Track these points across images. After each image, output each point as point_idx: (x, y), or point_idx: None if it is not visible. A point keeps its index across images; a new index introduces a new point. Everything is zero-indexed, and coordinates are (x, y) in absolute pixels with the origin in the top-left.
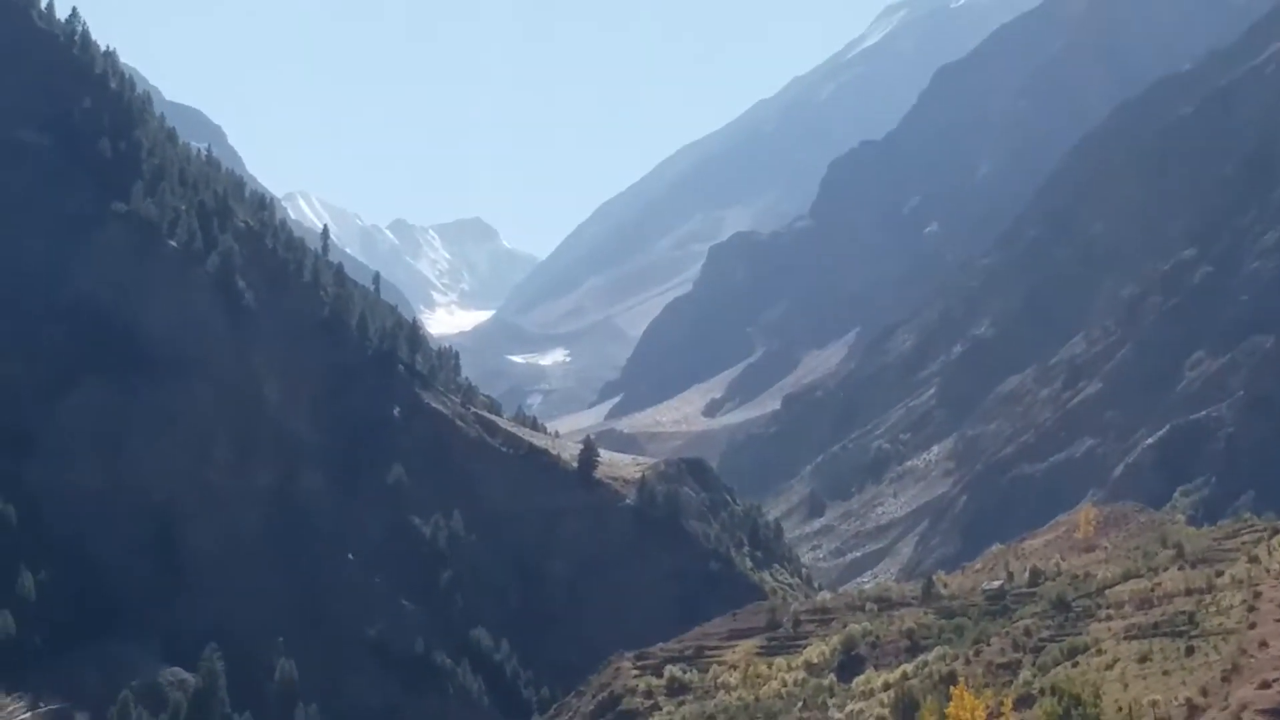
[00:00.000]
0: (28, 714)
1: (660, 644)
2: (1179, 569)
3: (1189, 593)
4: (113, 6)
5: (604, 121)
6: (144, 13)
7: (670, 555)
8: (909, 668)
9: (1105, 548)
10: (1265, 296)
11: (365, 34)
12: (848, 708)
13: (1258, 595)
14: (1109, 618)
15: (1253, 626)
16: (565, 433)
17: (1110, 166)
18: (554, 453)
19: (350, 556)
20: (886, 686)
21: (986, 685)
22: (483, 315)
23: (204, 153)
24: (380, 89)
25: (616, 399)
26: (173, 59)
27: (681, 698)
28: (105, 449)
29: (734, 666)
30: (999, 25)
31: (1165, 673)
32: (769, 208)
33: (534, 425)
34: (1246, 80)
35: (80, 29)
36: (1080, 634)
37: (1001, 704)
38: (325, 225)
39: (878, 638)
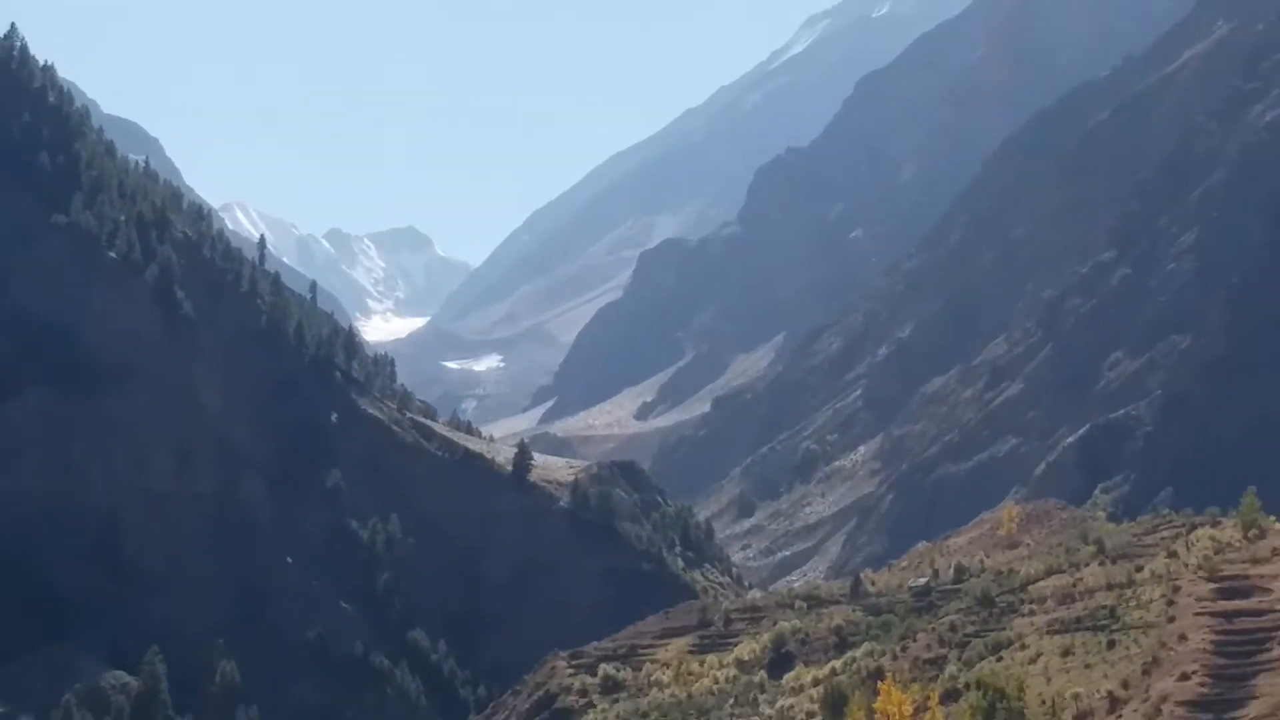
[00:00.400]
0: None
1: (594, 643)
2: (1100, 564)
3: (1110, 588)
4: (51, 22)
5: (535, 130)
6: (82, 27)
7: (603, 556)
8: (838, 664)
9: (1028, 544)
10: (1182, 297)
11: (301, 46)
12: (778, 704)
13: (1176, 590)
14: (1032, 613)
15: (1172, 620)
16: (500, 437)
17: (1030, 171)
18: (489, 457)
19: (290, 560)
20: (816, 682)
21: (913, 680)
22: (418, 322)
23: (142, 165)
24: (316, 100)
25: (549, 403)
26: (110, 73)
27: (615, 696)
28: (48, 457)
29: (666, 665)
30: (920, 34)
31: (1087, 666)
32: (697, 214)
33: (469, 430)
34: (1161, 86)
35: (19, 44)
36: (1004, 629)
37: (928, 698)
38: (262, 235)
39: (807, 635)
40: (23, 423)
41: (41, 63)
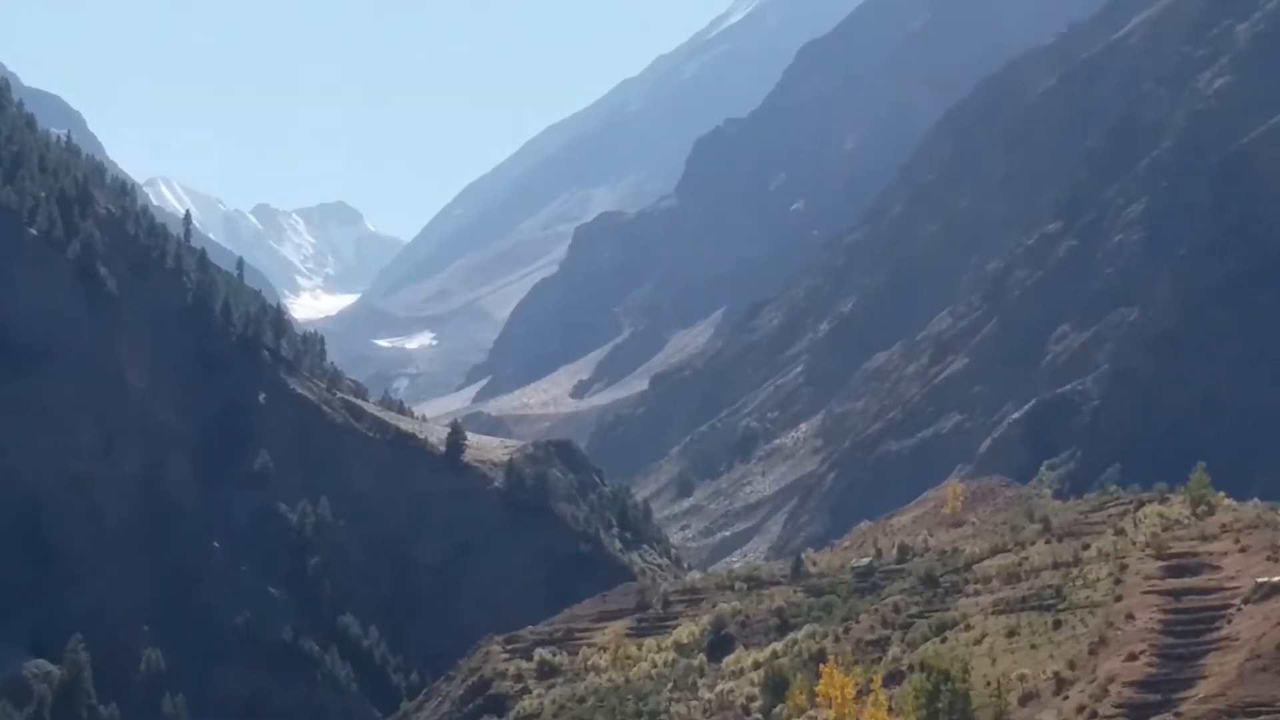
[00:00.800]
0: None
1: (530, 627)
2: (1046, 543)
3: (1056, 566)
4: None
5: (470, 102)
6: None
7: (539, 537)
8: (779, 646)
9: (973, 523)
10: (1129, 269)
11: (227, 17)
12: (718, 687)
13: (1124, 568)
14: (977, 593)
15: (1119, 599)
16: (432, 416)
17: (974, 141)
18: (421, 437)
19: (217, 544)
20: (756, 665)
21: (856, 662)
22: (348, 299)
23: (64, 139)
24: (243, 73)
25: (484, 382)
26: (30, 44)
27: (551, 680)
28: (3, 442)
29: (604, 648)
30: (862, 1)
31: (1033, 646)
32: (635, 187)
33: (401, 409)
34: (1108, 53)
35: None
36: (948, 609)
37: (871, 681)
38: (187, 211)
39: (747, 617)
40: None
41: None
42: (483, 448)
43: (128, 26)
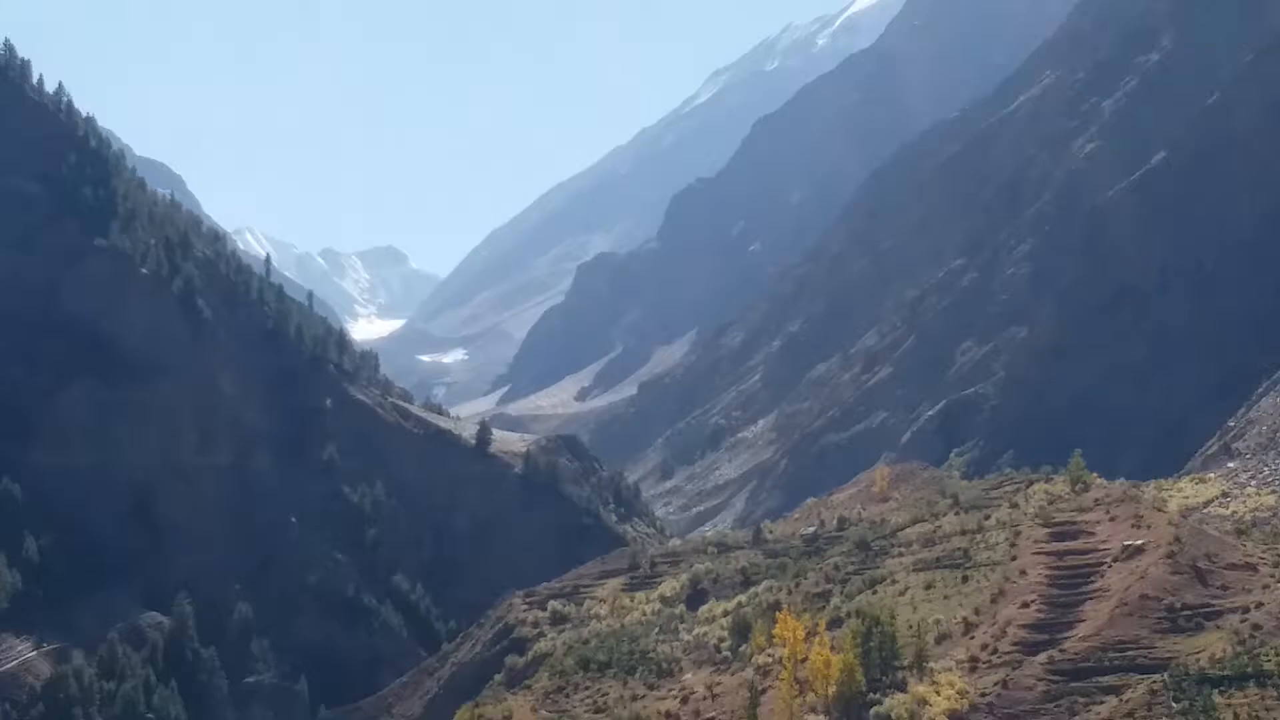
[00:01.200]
0: (33, 652)
1: (544, 584)
2: (955, 514)
3: (963, 533)
4: (91, 76)
5: (491, 163)
6: (116, 80)
7: (550, 512)
8: (743, 598)
9: (896, 499)
10: (1019, 296)
11: (300, 97)
12: (695, 631)
13: (1017, 534)
14: (900, 554)
15: (1014, 559)
16: (464, 417)
17: (895, 195)
18: (456, 433)
19: (293, 519)
20: (725, 614)
21: (804, 610)
22: (396, 324)
23: (168, 197)
24: (313, 140)
25: (505, 388)
26: (142, 119)
27: (562, 626)
28: (93, 436)
29: (603, 600)
30: (805, 84)
31: (946, 597)
32: (625, 233)
33: (439, 411)
34: (1000, 125)
35: (66, 99)
36: (878, 568)
37: (817, 625)
38: (267, 254)
39: (718, 575)
40: (71, 409)
41: (84, 114)
42: (505, 441)
43: (218, 103)
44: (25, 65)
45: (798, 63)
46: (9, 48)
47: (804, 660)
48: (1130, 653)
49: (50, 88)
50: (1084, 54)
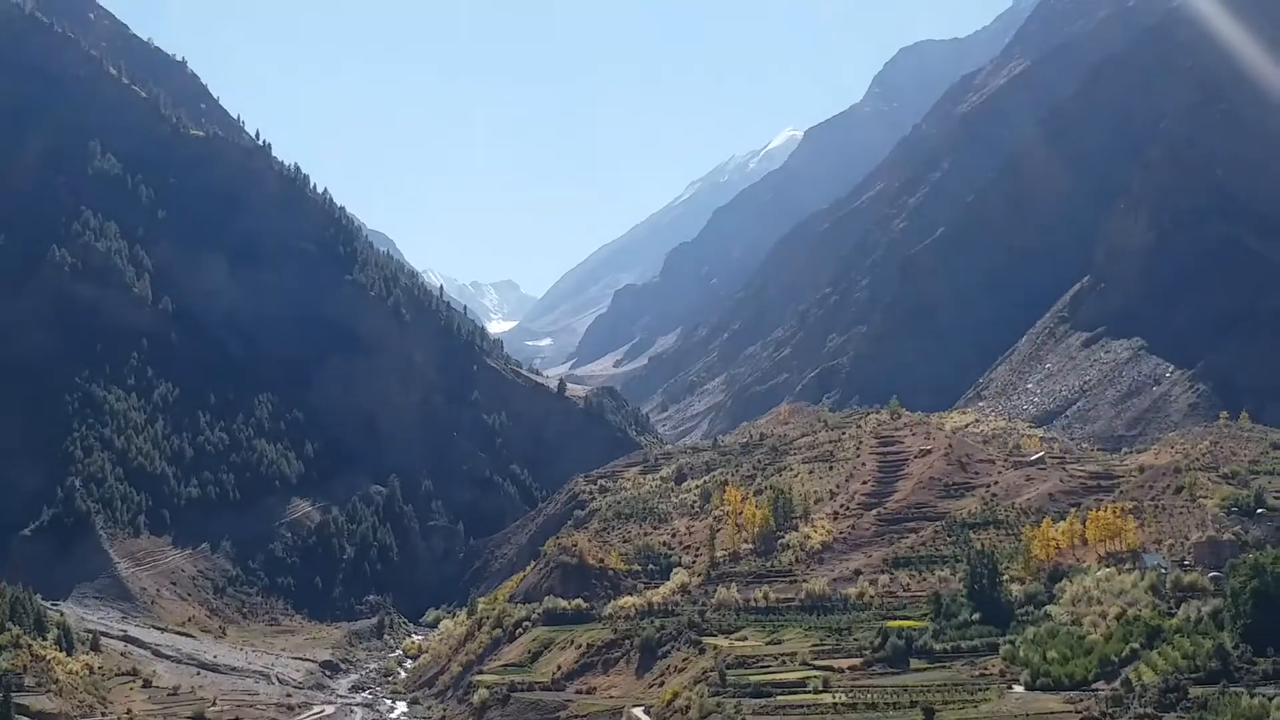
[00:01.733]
0: (311, 507)
1: (595, 470)
2: (825, 431)
3: (830, 442)
4: (336, 173)
5: (567, 223)
6: (351, 174)
7: (599, 430)
8: (707, 478)
9: (793, 424)
10: (862, 308)
11: (462, 169)
12: (679, 497)
13: (860, 442)
14: (795, 454)
15: (858, 456)
16: (550, 375)
17: (793, 252)
18: (546, 385)
19: (455, 434)
20: (697, 487)
21: (741, 485)
22: (512, 324)
23: (385, 251)
24: (467, 202)
25: (573, 360)
26: (368, 197)
27: (606, 494)
28: (343, 385)
29: (628, 479)
30: (742, 189)
31: (820, 478)
32: (641, 272)
33: (536, 373)
34: (853, 212)
35: (325, 191)
36: (782, 462)
37: (748, 494)
38: (441, 285)
39: (693, 465)
40: (333, 369)
41: (340, 205)
42: (573, 390)
43: (414, 184)
44: (306, 177)
45: (738, 177)
46: (298, 169)
47: (740, 514)
48: (924, 509)
49: (315, 183)
50: (899, 172)
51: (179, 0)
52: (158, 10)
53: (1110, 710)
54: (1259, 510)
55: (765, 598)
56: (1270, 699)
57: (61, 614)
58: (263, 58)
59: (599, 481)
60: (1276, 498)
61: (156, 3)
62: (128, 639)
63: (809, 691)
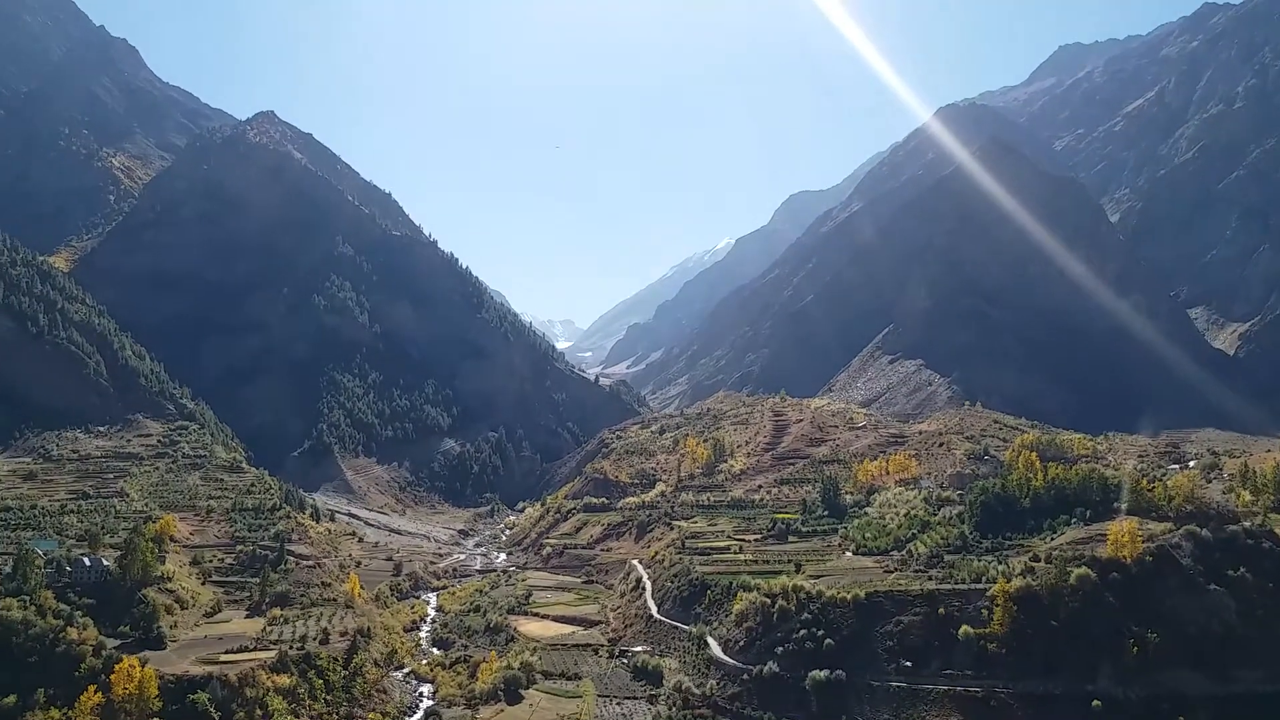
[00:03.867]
0: (453, 443)
1: (615, 426)
2: (744, 407)
3: (747, 412)
4: (474, 250)
5: (596, 286)
6: (484, 250)
7: (617, 404)
8: (677, 433)
9: (728, 403)
10: (771, 340)
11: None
12: (661, 442)
13: (763, 414)
14: (727, 419)
15: (762, 421)
16: (591, 373)
17: (734, 309)
18: (589, 378)
19: (536, 405)
20: (672, 438)
21: (695, 437)
22: (569, 343)
23: (499, 298)
24: (540, 245)
25: (604, 364)
26: (482, 253)
27: (622, 439)
28: (467, 379)
29: (634, 432)
30: (702, 270)
31: (740, 432)
32: (643, 318)
33: (583, 372)
34: (769, 284)
35: (452, 252)
36: (720, 425)
37: (699, 442)
38: (530, 321)
39: (671, 425)
40: (468, 370)
41: (463, 264)
42: (604, 382)
43: (512, 240)
44: (456, 258)
45: (698, 264)
46: (452, 254)
47: (695, 453)
48: (799, 453)
49: (460, 260)
50: (789, 264)
51: (394, 151)
52: (378, 154)
53: (899, 567)
54: (985, 457)
55: (707, 500)
56: (988, 562)
57: (313, 500)
58: (439, 185)
59: (616, 433)
60: (995, 451)
61: (381, 153)
62: (350, 515)
63: (731, 552)
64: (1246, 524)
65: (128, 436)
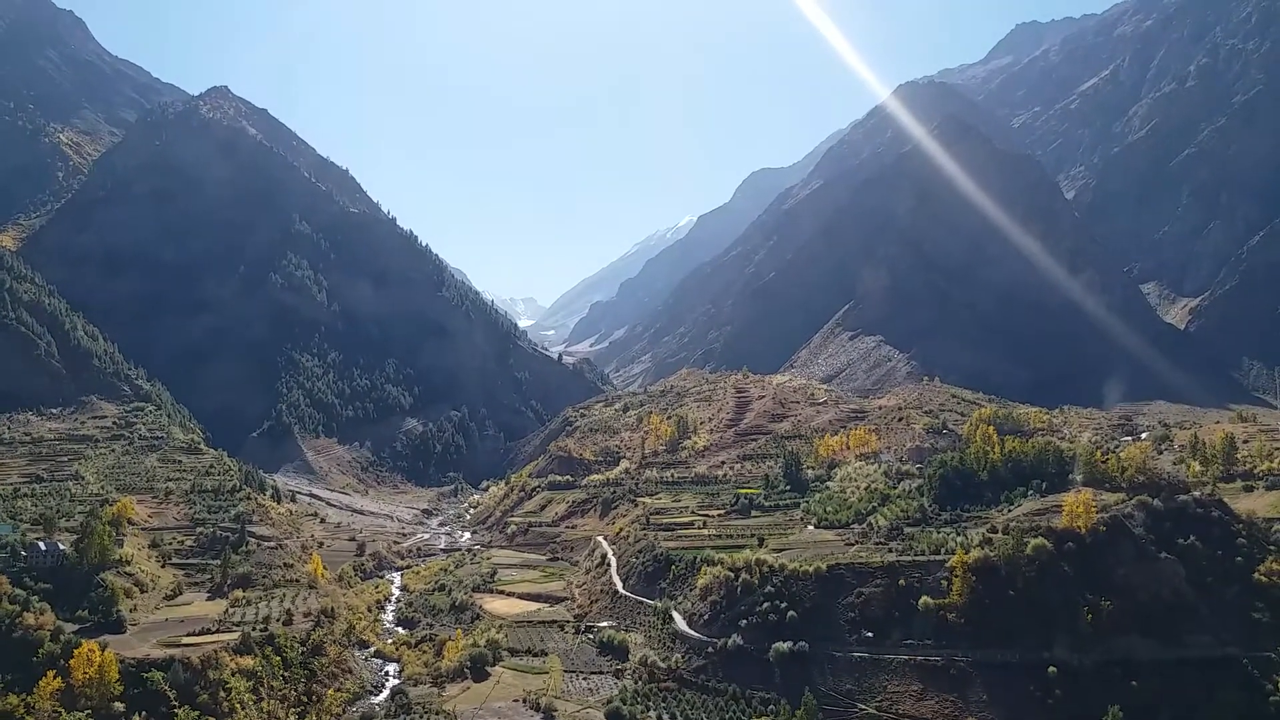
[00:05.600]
0: (415, 422)
1: (578, 404)
2: (707, 384)
3: (710, 389)
4: (436, 228)
5: (558, 262)
6: (444, 226)
7: (582, 383)
8: (641, 410)
9: (691, 380)
10: (733, 319)
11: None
12: (625, 419)
13: (726, 391)
14: (690, 396)
15: (725, 398)
16: (554, 351)
17: (697, 288)
18: (552, 356)
19: (500, 383)
20: (636, 415)
21: (659, 414)
22: (531, 321)
23: (461, 279)
24: (511, 241)
25: (567, 342)
26: (453, 241)
27: (585, 416)
28: (436, 357)
29: (598, 410)
30: (663, 249)
31: (703, 409)
32: (605, 295)
33: (547, 350)
34: (730, 263)
35: (428, 245)
36: (683, 402)
37: (663, 419)
38: (492, 300)
39: (634, 404)
40: (430, 348)
41: (436, 255)
42: (567, 360)
43: (481, 226)
44: (415, 234)
45: (660, 241)
46: (411, 232)
47: (658, 429)
48: (761, 428)
49: (420, 238)
50: (751, 241)
51: (350, 127)
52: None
53: (860, 540)
54: (943, 430)
55: (671, 476)
56: (947, 534)
57: (274, 481)
58: (396, 162)
59: (580, 411)
60: (953, 425)
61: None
62: (312, 496)
63: (695, 528)
64: (1196, 494)
65: (81, 419)
